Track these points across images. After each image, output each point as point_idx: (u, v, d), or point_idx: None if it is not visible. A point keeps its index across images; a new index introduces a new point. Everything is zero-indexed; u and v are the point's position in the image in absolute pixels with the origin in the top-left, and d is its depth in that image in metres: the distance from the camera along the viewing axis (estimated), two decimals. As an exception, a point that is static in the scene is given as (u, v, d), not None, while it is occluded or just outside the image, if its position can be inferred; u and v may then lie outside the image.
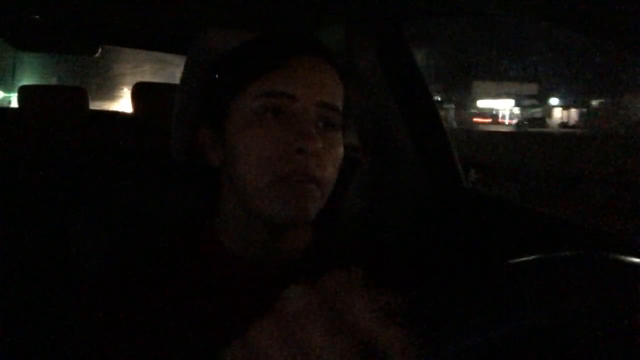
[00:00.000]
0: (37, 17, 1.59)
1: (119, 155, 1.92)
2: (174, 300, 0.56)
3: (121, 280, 0.57)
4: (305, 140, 0.55)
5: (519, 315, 0.33)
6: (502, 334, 0.32)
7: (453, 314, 0.31)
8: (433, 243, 1.14)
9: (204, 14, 1.45)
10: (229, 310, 0.56)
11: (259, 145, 0.56)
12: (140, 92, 2.03)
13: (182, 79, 0.79)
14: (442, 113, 1.32)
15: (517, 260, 0.39)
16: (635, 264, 0.39)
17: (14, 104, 2.21)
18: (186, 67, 0.79)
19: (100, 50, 2.09)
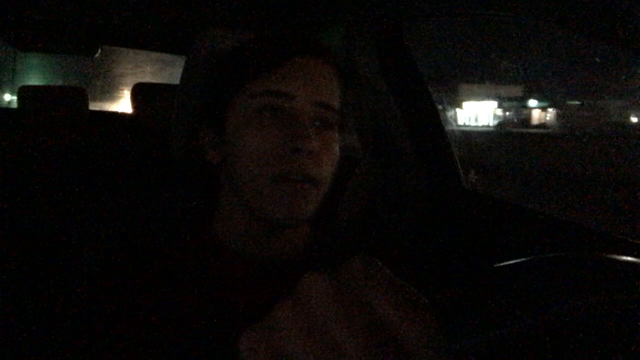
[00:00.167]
0: (37, 17, 1.59)
1: (118, 155, 1.92)
2: (174, 298, 0.56)
3: (122, 279, 0.57)
4: (301, 140, 0.55)
5: (518, 315, 0.33)
6: (504, 334, 0.32)
7: (457, 312, 0.32)
8: (433, 243, 1.14)
9: (204, 14, 1.45)
10: (228, 307, 0.56)
11: (257, 144, 0.57)
12: (139, 93, 2.03)
13: (182, 79, 0.79)
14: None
15: (517, 260, 0.39)
16: (635, 264, 0.40)
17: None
18: (186, 67, 0.79)
19: (100, 50, 2.10)
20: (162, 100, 1.94)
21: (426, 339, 0.23)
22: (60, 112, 1.98)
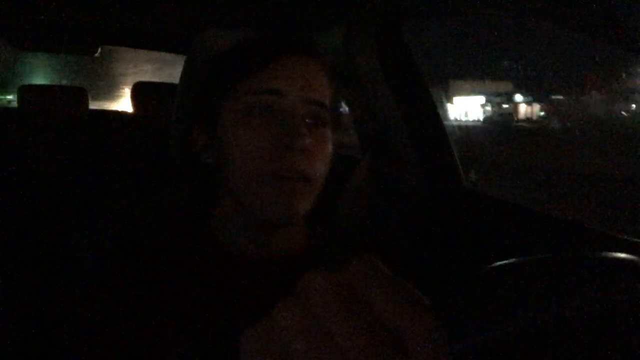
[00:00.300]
0: (36, 17, 1.59)
1: (118, 154, 1.92)
2: (172, 297, 0.56)
3: (120, 279, 0.57)
4: (292, 137, 0.55)
5: (519, 315, 0.33)
6: (504, 333, 0.32)
7: (457, 312, 0.32)
8: (433, 242, 1.14)
9: (203, 14, 1.45)
10: (225, 307, 0.56)
11: (248, 143, 0.57)
12: (139, 92, 2.03)
13: (182, 79, 0.80)
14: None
15: (517, 259, 0.39)
16: (634, 264, 0.40)
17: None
18: (185, 66, 0.79)
19: (100, 50, 2.09)
20: (163, 99, 1.94)
21: (427, 339, 0.23)
22: (60, 111, 1.98)
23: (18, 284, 1.26)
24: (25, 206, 1.41)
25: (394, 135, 1.21)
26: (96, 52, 2.10)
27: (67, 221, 0.80)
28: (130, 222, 0.80)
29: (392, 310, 0.24)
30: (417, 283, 0.27)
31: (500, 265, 0.40)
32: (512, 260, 0.40)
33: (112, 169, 1.58)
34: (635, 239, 0.79)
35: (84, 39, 1.94)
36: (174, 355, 0.54)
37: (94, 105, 2.12)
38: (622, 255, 0.42)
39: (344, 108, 1.31)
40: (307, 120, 0.59)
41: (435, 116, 1.22)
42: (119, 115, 2.44)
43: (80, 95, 2.05)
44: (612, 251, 0.42)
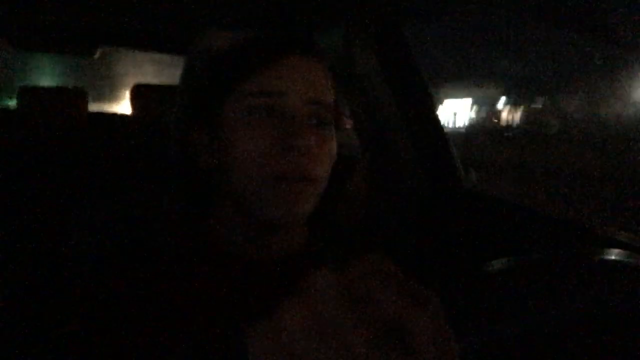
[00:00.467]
0: (36, 17, 1.59)
1: (117, 156, 1.91)
2: (172, 299, 0.56)
3: (120, 279, 0.57)
4: (295, 138, 0.55)
5: (519, 314, 0.33)
6: (504, 333, 0.32)
7: (462, 310, 0.32)
8: (433, 242, 1.14)
9: (203, 14, 1.45)
10: (226, 308, 0.56)
11: (251, 144, 0.57)
12: (138, 94, 2.03)
13: (181, 80, 0.79)
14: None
15: (517, 259, 0.39)
16: (634, 264, 0.39)
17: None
18: (185, 67, 0.79)
19: (100, 51, 2.09)
20: (162, 101, 1.94)
21: (434, 336, 0.23)
22: (59, 112, 1.98)
23: (18, 284, 1.26)
24: (25, 206, 1.41)
25: (394, 135, 1.21)
26: (96, 52, 2.10)
27: (66, 222, 0.79)
28: (130, 223, 0.80)
29: (399, 307, 0.24)
30: (419, 282, 0.27)
31: (500, 265, 0.40)
32: (512, 260, 0.39)
33: (111, 170, 1.58)
34: (635, 239, 0.79)
35: (84, 39, 1.94)
36: (175, 357, 0.53)
37: (96, 107, 2.12)
38: (622, 255, 0.42)
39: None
40: (309, 121, 0.59)
41: (435, 116, 1.22)
42: (118, 117, 2.44)
43: (79, 97, 2.05)
44: (612, 251, 0.42)
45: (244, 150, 0.57)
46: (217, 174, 0.63)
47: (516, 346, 0.32)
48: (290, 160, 0.55)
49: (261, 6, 1.27)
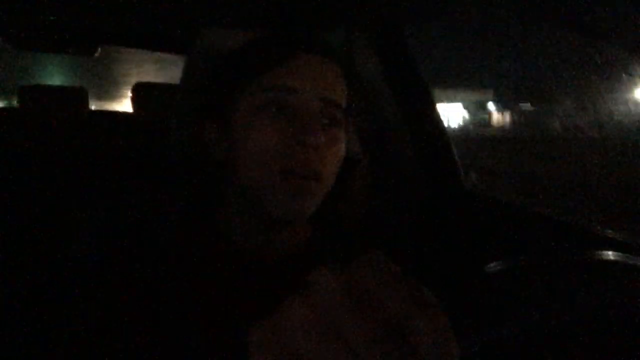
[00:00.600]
0: (36, 17, 1.59)
1: (118, 154, 1.91)
2: (176, 294, 0.56)
3: (123, 278, 0.57)
4: (307, 134, 0.55)
5: (519, 315, 0.33)
6: (505, 334, 0.32)
7: (464, 311, 0.32)
8: (433, 243, 1.14)
9: (204, 14, 1.45)
10: (229, 303, 0.56)
11: (263, 139, 0.57)
12: (140, 92, 2.03)
13: (183, 78, 0.80)
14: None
15: (518, 260, 0.39)
16: (633, 264, 0.40)
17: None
18: (187, 66, 0.79)
19: (99, 50, 2.09)
20: (163, 99, 1.95)
21: (435, 336, 0.23)
22: (60, 111, 1.98)
23: (19, 284, 1.26)
24: (26, 206, 1.41)
25: (395, 136, 1.21)
26: (96, 52, 2.10)
27: (68, 221, 0.80)
28: (133, 221, 0.80)
29: (400, 307, 0.24)
30: (419, 283, 0.27)
31: (500, 265, 0.40)
32: (512, 260, 0.40)
33: (113, 169, 1.58)
34: (637, 240, 0.79)
35: (84, 39, 1.94)
36: (178, 351, 0.53)
37: (98, 105, 2.12)
38: (621, 256, 0.42)
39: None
40: (321, 120, 0.59)
41: (436, 117, 1.22)
42: (119, 115, 2.44)
43: (80, 95, 2.05)
44: (611, 252, 0.42)
45: (254, 145, 0.57)
46: (225, 169, 0.64)
47: (516, 346, 0.32)
48: (299, 156, 0.56)
49: (262, 6, 1.27)
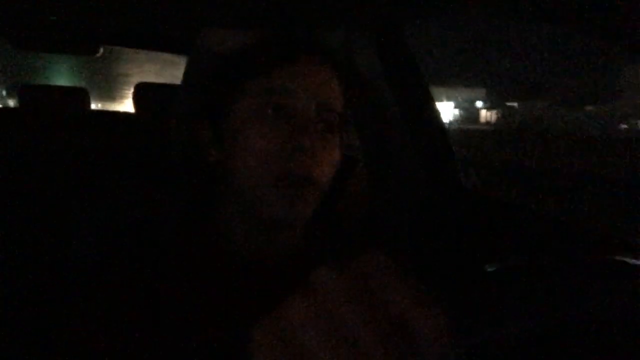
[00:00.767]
0: (36, 17, 1.59)
1: (119, 155, 1.91)
2: (174, 297, 0.56)
3: (123, 278, 0.57)
4: (302, 137, 0.55)
5: (519, 315, 0.33)
6: (504, 333, 0.32)
7: (465, 310, 0.32)
8: (433, 243, 1.14)
9: (204, 14, 1.45)
10: (226, 307, 0.56)
11: (258, 142, 0.57)
12: (141, 93, 2.03)
13: (184, 79, 0.80)
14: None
15: (518, 260, 0.39)
16: (634, 264, 0.40)
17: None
18: (188, 66, 0.79)
19: (101, 50, 2.09)
20: (164, 100, 1.95)
21: (436, 336, 0.24)
22: (61, 111, 1.98)
23: (19, 284, 1.26)
24: (26, 206, 1.41)
25: (394, 136, 1.21)
26: (97, 52, 2.10)
27: (68, 221, 0.80)
28: (133, 221, 0.80)
29: (402, 305, 0.24)
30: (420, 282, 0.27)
31: (501, 265, 0.40)
32: (512, 260, 0.40)
33: (113, 169, 1.58)
34: (636, 240, 0.79)
35: (85, 39, 1.95)
36: (181, 354, 0.54)
37: (100, 105, 2.12)
38: (622, 255, 0.42)
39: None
40: (317, 125, 0.59)
41: (436, 117, 1.22)
42: (121, 115, 2.44)
43: (80, 95, 2.06)
44: (611, 252, 0.42)
45: (249, 147, 0.57)
46: (222, 171, 0.64)
47: (517, 346, 0.32)
48: (295, 160, 0.56)
49: (262, 6, 1.28)
